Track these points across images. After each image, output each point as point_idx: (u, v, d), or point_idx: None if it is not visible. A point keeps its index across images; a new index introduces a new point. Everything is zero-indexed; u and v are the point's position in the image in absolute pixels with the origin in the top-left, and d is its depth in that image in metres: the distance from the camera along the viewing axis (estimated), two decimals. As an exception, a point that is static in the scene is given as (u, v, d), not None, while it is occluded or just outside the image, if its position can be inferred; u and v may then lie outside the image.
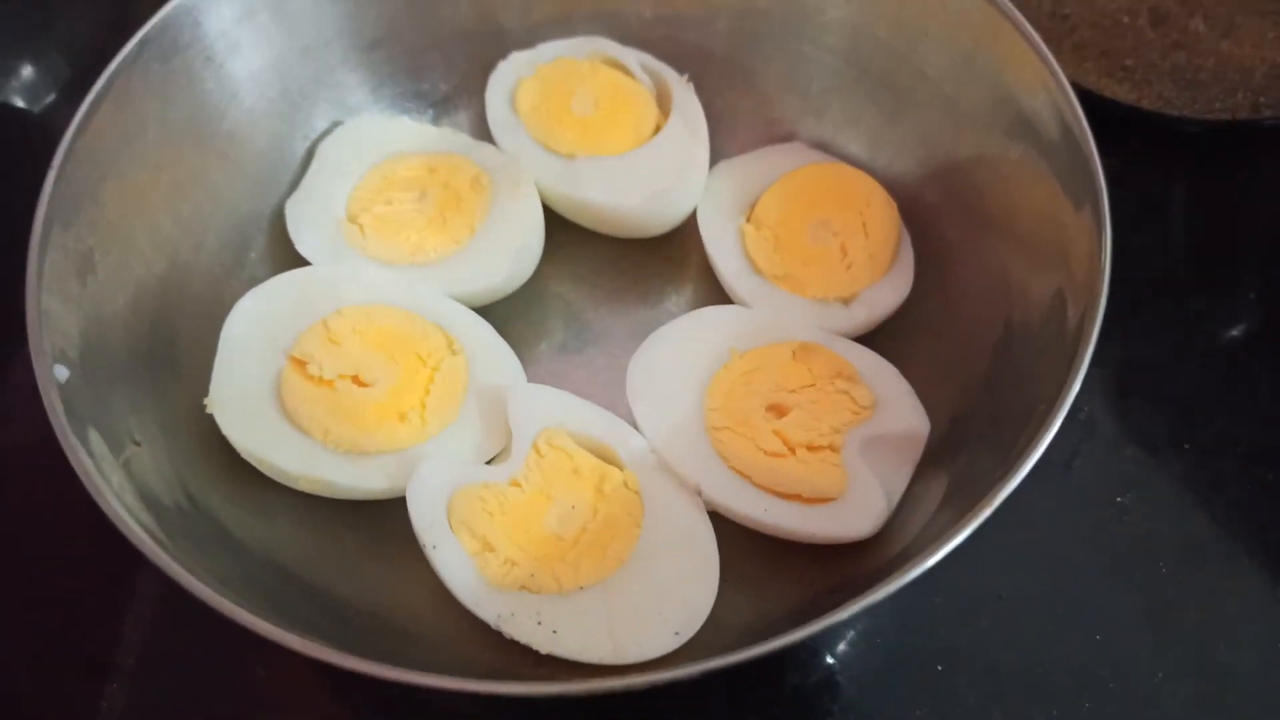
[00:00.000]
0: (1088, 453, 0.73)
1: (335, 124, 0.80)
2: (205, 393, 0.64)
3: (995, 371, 0.67)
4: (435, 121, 0.84)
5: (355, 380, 0.66)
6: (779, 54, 0.82)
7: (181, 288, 0.69)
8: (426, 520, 0.60)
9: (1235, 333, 0.79)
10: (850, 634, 0.67)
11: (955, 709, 0.64)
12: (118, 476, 0.54)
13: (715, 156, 0.80)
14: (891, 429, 0.66)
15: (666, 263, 0.81)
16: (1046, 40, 0.66)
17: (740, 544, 0.64)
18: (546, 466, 0.64)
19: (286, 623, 0.49)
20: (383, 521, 0.65)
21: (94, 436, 0.55)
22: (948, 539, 0.50)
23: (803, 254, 0.74)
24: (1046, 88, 0.65)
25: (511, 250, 0.74)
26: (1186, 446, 0.73)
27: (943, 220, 0.76)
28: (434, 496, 0.61)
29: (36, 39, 0.98)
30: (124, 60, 0.65)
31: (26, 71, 0.97)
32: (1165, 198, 0.85)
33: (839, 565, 0.63)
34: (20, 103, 0.96)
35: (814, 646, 0.67)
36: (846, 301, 0.73)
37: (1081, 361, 0.55)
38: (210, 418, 0.64)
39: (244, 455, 0.64)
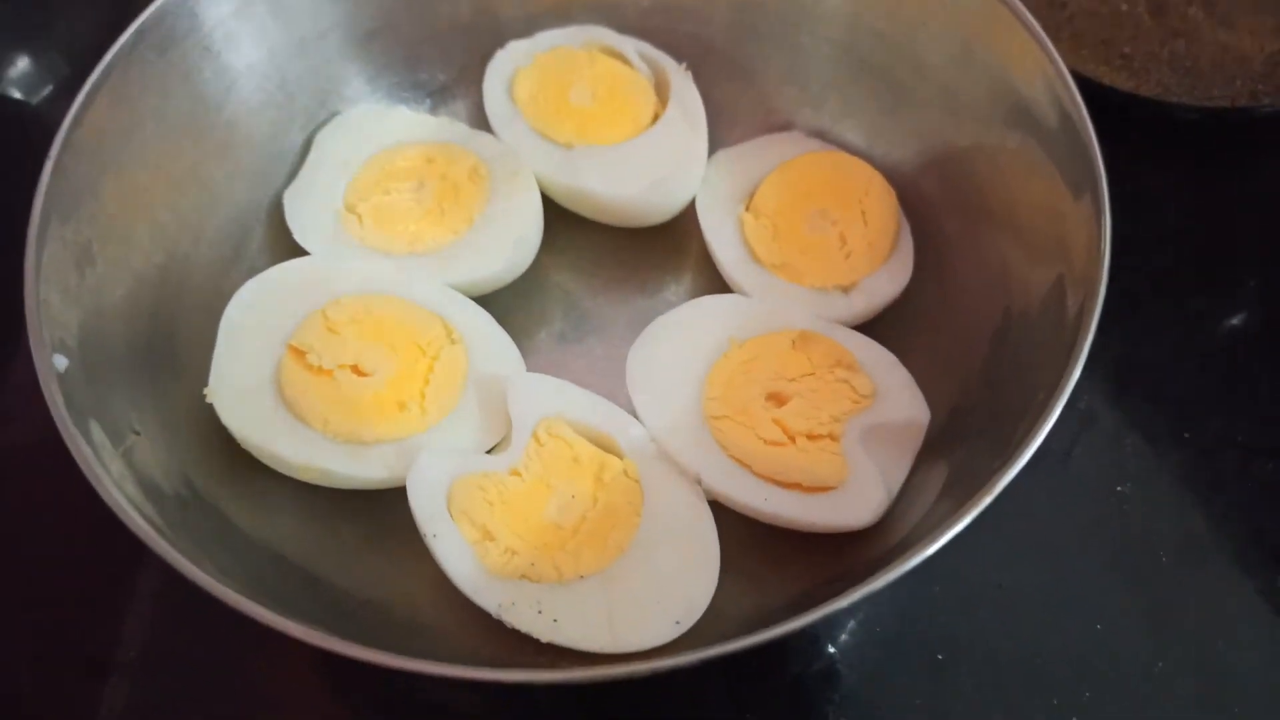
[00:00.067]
0: (1087, 443, 0.73)
1: (333, 115, 0.80)
2: (205, 383, 0.64)
3: (994, 361, 0.67)
4: (433, 111, 0.84)
5: (354, 370, 0.66)
6: (777, 44, 0.82)
7: (180, 279, 0.69)
8: (427, 509, 0.60)
9: (1234, 323, 0.80)
10: (850, 623, 0.67)
11: (955, 698, 0.65)
12: (118, 466, 0.54)
13: (713, 146, 0.80)
14: (891, 418, 0.66)
15: (665, 252, 0.81)
16: (1044, 29, 0.66)
17: (739, 534, 0.64)
18: (546, 455, 0.64)
19: (288, 612, 0.49)
20: (383, 513, 0.65)
21: (94, 426, 0.55)
22: (947, 528, 0.50)
23: (801, 243, 0.74)
24: (1045, 75, 0.65)
25: (510, 240, 0.74)
26: (1186, 436, 0.73)
27: (941, 209, 0.76)
28: (434, 486, 0.61)
29: (36, 37, 0.98)
30: (120, 51, 0.64)
31: (24, 65, 0.97)
32: (1163, 188, 0.84)
33: (838, 555, 0.63)
34: (17, 94, 0.95)
35: (814, 636, 0.67)
36: (846, 290, 0.73)
37: (1081, 350, 0.55)
38: (210, 408, 0.64)
39: (244, 445, 0.64)
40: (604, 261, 0.80)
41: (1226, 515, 0.71)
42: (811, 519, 0.62)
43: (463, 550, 0.60)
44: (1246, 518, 0.71)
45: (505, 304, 0.74)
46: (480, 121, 0.82)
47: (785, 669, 0.66)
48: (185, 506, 0.58)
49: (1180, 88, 0.82)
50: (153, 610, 0.68)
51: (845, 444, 0.64)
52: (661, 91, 0.81)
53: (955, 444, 0.65)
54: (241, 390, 0.64)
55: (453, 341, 0.69)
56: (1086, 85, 0.64)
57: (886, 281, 0.73)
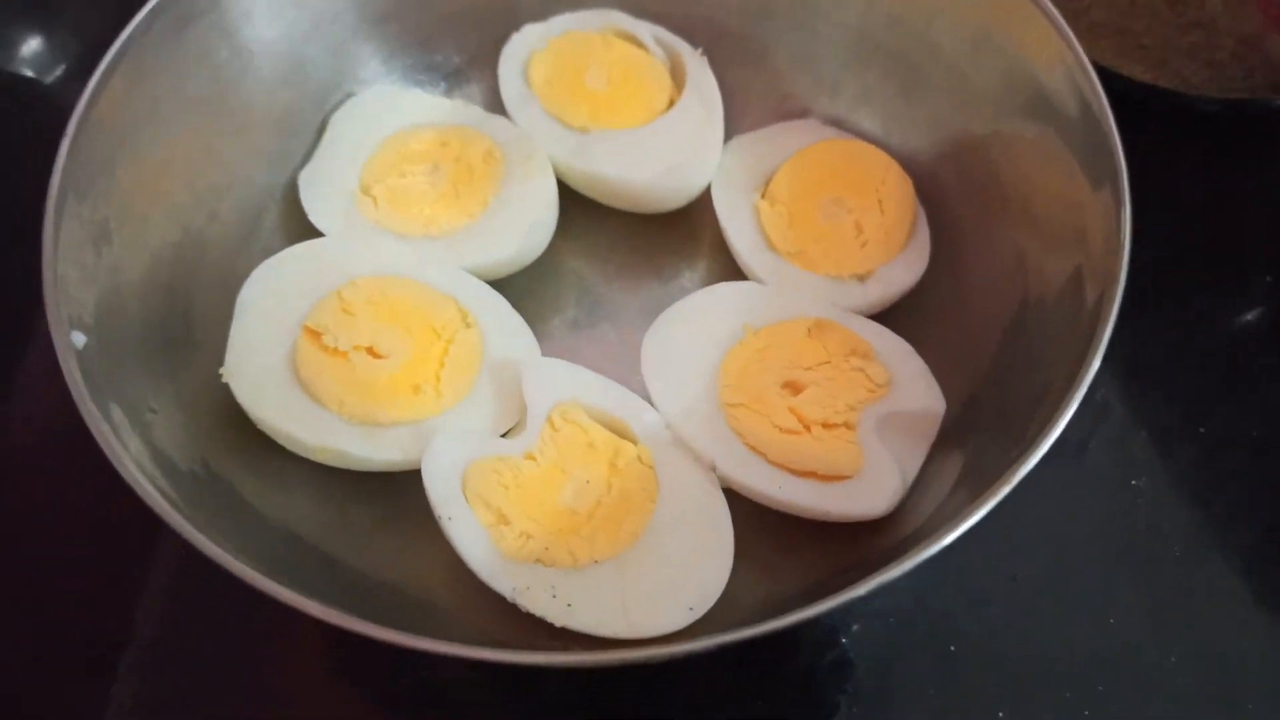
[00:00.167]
0: (1101, 436, 0.72)
1: (348, 96, 0.79)
2: (220, 363, 0.64)
3: (1010, 352, 0.67)
4: (447, 94, 0.84)
5: (370, 352, 0.65)
6: (793, 30, 0.82)
7: (196, 259, 0.69)
8: (442, 492, 0.60)
9: (1249, 318, 0.79)
10: (862, 613, 0.67)
11: (966, 690, 0.65)
12: (136, 444, 0.54)
13: (729, 132, 0.79)
14: (907, 407, 0.65)
15: (680, 238, 0.80)
16: (1062, 18, 0.66)
17: (753, 521, 0.64)
18: (561, 440, 0.64)
19: (305, 591, 0.49)
20: (397, 495, 0.65)
21: (111, 404, 0.55)
22: (963, 519, 0.50)
23: (817, 231, 0.74)
24: (1065, 64, 0.65)
25: (525, 224, 0.74)
26: (1201, 431, 0.73)
27: (958, 198, 0.76)
28: (449, 469, 0.61)
29: (48, 17, 0.98)
30: (137, 29, 0.64)
31: (36, 44, 0.97)
32: (1180, 180, 0.84)
33: (852, 544, 0.63)
34: (29, 73, 0.95)
35: (826, 625, 0.67)
36: (861, 279, 0.72)
37: (1100, 343, 0.55)
38: (225, 388, 0.63)
39: (259, 425, 0.64)
40: (618, 247, 0.80)
41: (1239, 510, 0.70)
42: (826, 508, 0.62)
43: (478, 534, 0.59)
44: (1259, 513, 0.70)
45: (519, 289, 0.74)
46: (494, 105, 0.81)
47: (797, 658, 0.66)
48: (201, 485, 0.58)
49: (1199, 79, 0.82)
50: (163, 605, 0.67)
51: (861, 433, 0.64)
52: (677, 76, 0.81)
53: (970, 434, 0.65)
54: (257, 370, 0.64)
55: (467, 325, 0.68)
56: (1104, 76, 0.63)
57: (902, 270, 0.73)
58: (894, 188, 0.75)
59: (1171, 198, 0.82)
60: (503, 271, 0.74)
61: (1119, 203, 0.59)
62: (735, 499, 0.64)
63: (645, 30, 0.81)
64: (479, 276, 0.72)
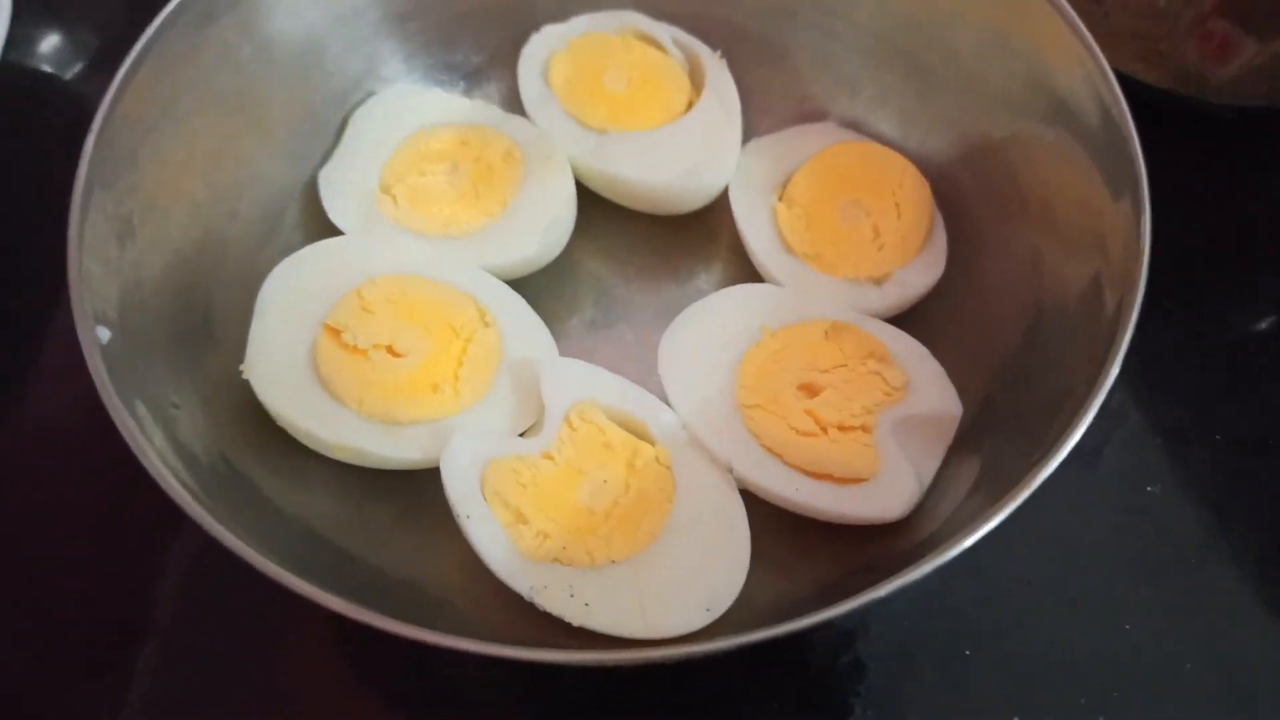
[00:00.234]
0: (1117, 442, 0.73)
1: (368, 95, 0.80)
2: (241, 359, 0.65)
3: (1027, 356, 0.67)
4: (467, 93, 0.84)
5: (389, 350, 0.66)
6: (811, 32, 0.82)
7: (217, 255, 0.69)
8: (460, 491, 0.60)
9: (1264, 325, 0.79)
10: (876, 615, 0.67)
11: (980, 693, 0.65)
12: (159, 438, 0.54)
13: (746, 134, 0.79)
14: (923, 411, 0.66)
15: (697, 240, 0.80)
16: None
17: (768, 523, 0.64)
18: (579, 440, 0.64)
19: (326, 586, 0.49)
20: (413, 493, 0.66)
21: (135, 400, 0.55)
22: (982, 523, 0.50)
23: (834, 233, 0.74)
24: (1084, 68, 0.65)
25: (543, 224, 0.74)
26: (1217, 437, 0.73)
27: (975, 202, 0.76)
28: (468, 467, 0.62)
29: (66, 13, 0.99)
30: (162, 24, 0.64)
31: (55, 40, 0.97)
32: (1197, 185, 0.84)
33: (867, 546, 0.63)
34: (48, 69, 0.96)
35: (841, 627, 0.67)
36: (878, 282, 0.72)
37: (1119, 349, 0.55)
38: (246, 384, 0.64)
39: (279, 422, 0.64)
40: (635, 248, 0.80)
41: (1252, 516, 0.70)
42: (843, 510, 0.62)
43: (496, 532, 0.60)
44: (1273, 519, 0.70)
45: (536, 288, 0.74)
46: (512, 105, 0.82)
47: (811, 658, 0.66)
48: (221, 480, 0.59)
49: (1217, 86, 0.81)
50: (174, 603, 0.68)
51: (877, 436, 0.64)
52: (696, 78, 0.81)
53: (986, 437, 0.65)
54: (277, 367, 0.65)
55: (486, 324, 0.69)
56: (1123, 81, 0.63)
57: (919, 274, 0.73)
58: (911, 191, 0.75)
59: (1187, 201, 0.81)
60: (521, 271, 0.75)
61: (1139, 210, 0.59)
62: (751, 500, 0.64)
63: (664, 32, 0.82)
64: (497, 276, 0.73)
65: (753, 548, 0.62)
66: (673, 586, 0.60)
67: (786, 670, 0.66)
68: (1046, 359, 0.65)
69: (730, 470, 0.64)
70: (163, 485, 0.50)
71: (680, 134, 0.78)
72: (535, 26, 0.82)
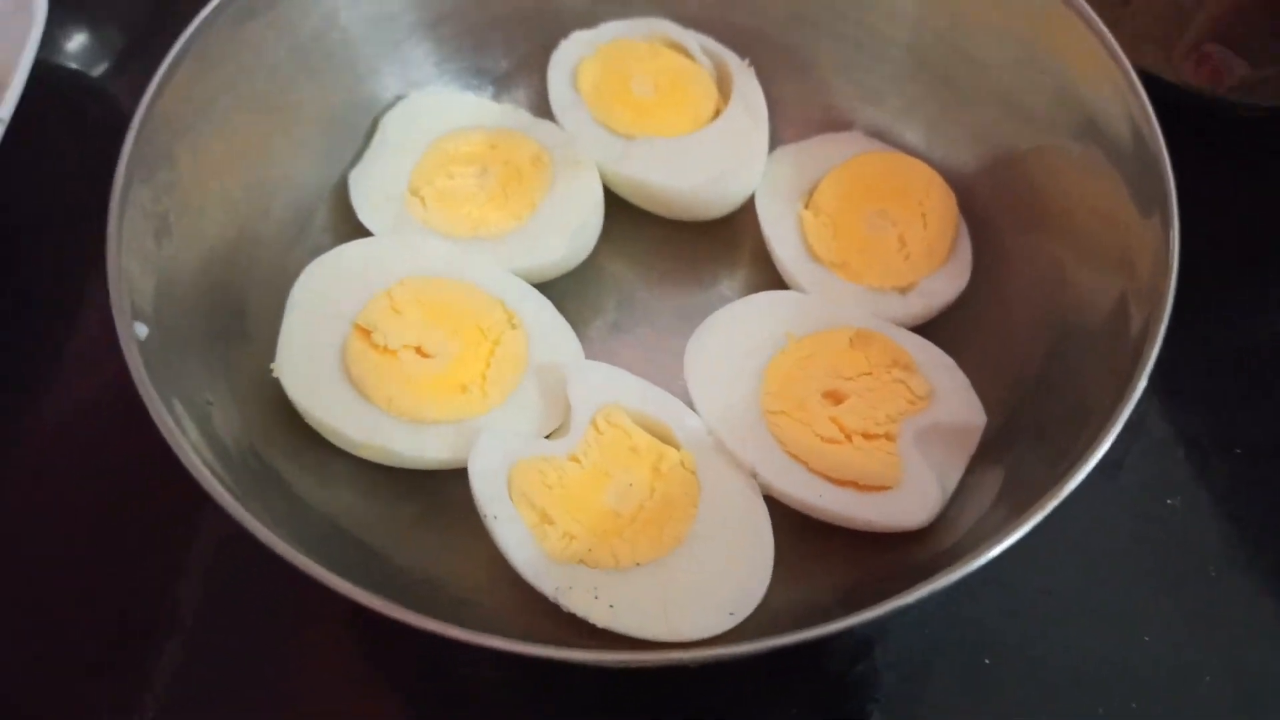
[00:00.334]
0: (1139, 453, 0.73)
1: (399, 98, 0.80)
2: (271, 358, 0.65)
3: (1050, 368, 0.67)
4: (495, 98, 0.85)
5: (418, 351, 0.66)
6: (838, 42, 0.82)
7: (250, 254, 0.70)
8: (487, 491, 0.61)
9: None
10: (895, 623, 0.67)
11: (998, 703, 0.65)
12: (194, 433, 0.55)
13: (772, 142, 0.80)
14: (947, 420, 0.66)
15: (721, 246, 0.81)
16: (1106, 22, 0.65)
17: (790, 528, 0.64)
18: (605, 443, 0.64)
19: (356, 580, 0.49)
20: (437, 493, 0.66)
21: (171, 395, 0.56)
22: (1003, 537, 0.50)
23: (860, 242, 0.74)
24: (1115, 85, 0.65)
25: (571, 228, 0.74)
26: (1238, 451, 0.73)
27: (1000, 214, 0.76)
28: (495, 468, 0.62)
29: (93, 12, 1.00)
30: (202, 23, 0.65)
31: (82, 39, 0.98)
32: (1221, 190, 0.83)
33: (890, 554, 0.63)
34: (75, 67, 0.97)
35: (860, 634, 0.67)
36: (903, 291, 0.73)
37: (1145, 365, 0.55)
38: (276, 382, 0.64)
39: (308, 420, 0.65)
40: (659, 253, 0.81)
41: (1274, 528, 0.70)
42: (867, 517, 0.62)
43: (522, 533, 0.60)
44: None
45: (560, 290, 0.75)
46: (540, 110, 0.82)
47: (829, 665, 0.66)
48: (252, 475, 0.59)
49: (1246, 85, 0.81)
50: (193, 603, 0.68)
51: (900, 444, 0.65)
52: (723, 86, 0.82)
53: (1009, 449, 0.65)
54: (307, 366, 0.65)
55: (513, 327, 0.69)
56: (1147, 80, 0.63)
57: (944, 284, 0.73)
58: (937, 201, 0.75)
59: (1213, 208, 0.81)
60: (548, 275, 0.75)
61: (1168, 228, 0.59)
62: (773, 505, 0.64)
63: (693, 40, 0.82)
64: (524, 279, 0.73)
65: (775, 553, 0.62)
66: (696, 590, 0.60)
67: (804, 676, 0.66)
68: (1070, 372, 0.65)
69: (754, 475, 0.65)
70: (199, 480, 0.51)
71: (707, 141, 0.78)
72: (564, 33, 0.83)
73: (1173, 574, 0.69)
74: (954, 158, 0.79)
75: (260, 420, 0.64)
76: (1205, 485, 0.72)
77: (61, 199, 0.85)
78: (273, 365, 0.65)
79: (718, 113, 0.80)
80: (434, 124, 0.79)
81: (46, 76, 0.80)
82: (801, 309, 0.71)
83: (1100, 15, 0.66)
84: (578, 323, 0.74)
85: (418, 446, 0.65)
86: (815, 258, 0.74)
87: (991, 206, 0.76)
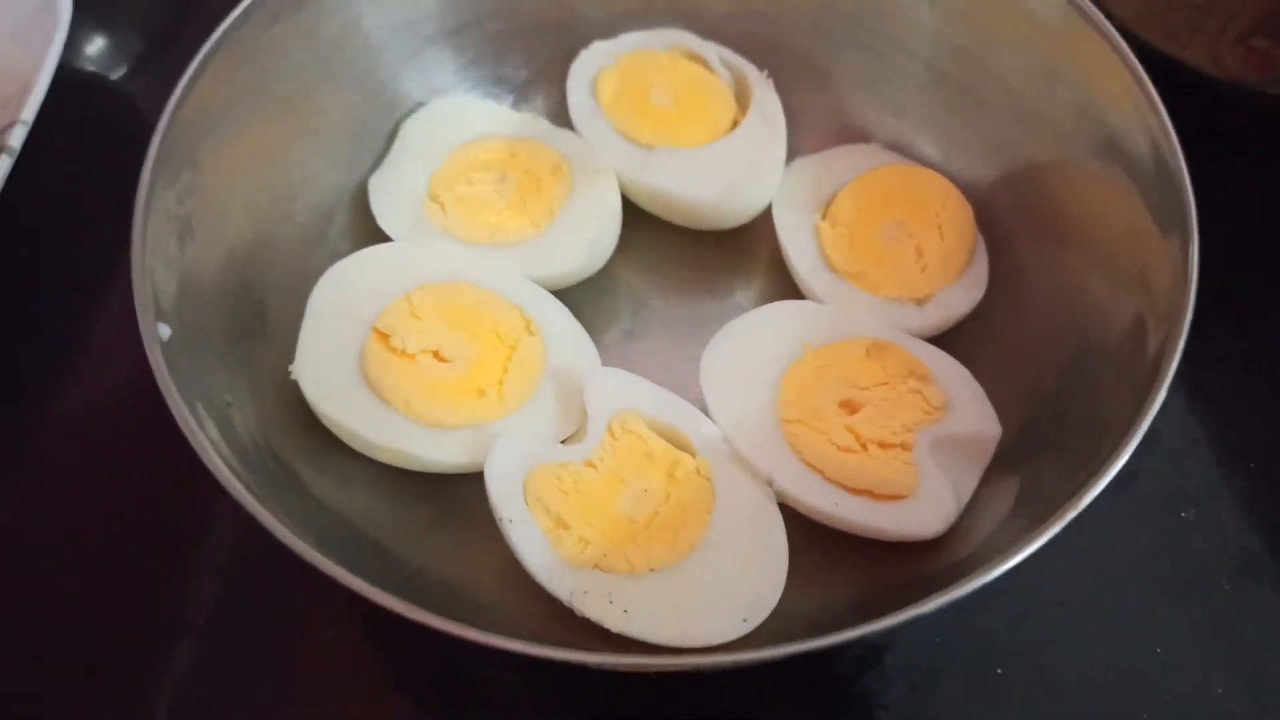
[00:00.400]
0: (1153, 465, 0.73)
1: (419, 105, 0.81)
2: (290, 360, 0.66)
3: (1066, 381, 0.67)
4: (515, 106, 0.85)
5: (436, 355, 0.67)
6: (857, 54, 0.83)
7: (270, 257, 0.70)
8: (503, 495, 0.61)
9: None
10: (906, 631, 0.67)
11: (1010, 713, 0.65)
12: (214, 433, 0.55)
13: (790, 153, 0.80)
14: (962, 431, 0.66)
15: (737, 256, 0.81)
16: (1123, 8, 0.65)
17: (803, 536, 0.64)
18: (620, 449, 0.65)
19: (376, 582, 0.49)
20: (452, 496, 0.67)
21: (192, 396, 0.56)
22: (1020, 548, 0.51)
23: (877, 253, 0.75)
24: (1135, 103, 0.65)
25: (589, 236, 0.75)
26: (1252, 465, 0.73)
27: (1017, 227, 0.76)
28: (511, 472, 0.62)
29: (112, 16, 1.01)
30: (228, 27, 0.66)
31: (101, 43, 0.99)
32: (1241, 190, 0.83)
33: (902, 563, 0.64)
34: (94, 69, 0.98)
35: (869, 641, 0.67)
36: (920, 302, 0.73)
37: (1162, 385, 0.55)
38: (294, 385, 0.65)
39: (325, 423, 0.65)
40: (675, 262, 0.81)
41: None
42: (883, 526, 0.63)
43: (537, 537, 0.60)
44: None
45: (576, 297, 0.75)
46: (559, 119, 0.83)
47: (839, 672, 0.66)
48: (271, 476, 0.59)
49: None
50: (206, 604, 0.68)
51: (916, 454, 0.65)
52: (741, 97, 0.82)
53: (1025, 460, 0.65)
54: (326, 369, 0.66)
55: (531, 333, 0.70)
56: (1166, 63, 0.62)
57: (961, 296, 0.73)
58: (954, 214, 0.75)
59: (1229, 210, 0.80)
60: (565, 282, 0.76)
61: (1187, 247, 0.59)
62: (788, 513, 0.65)
63: (712, 51, 0.83)
64: (541, 286, 0.74)
65: (789, 560, 0.62)
66: (710, 596, 0.60)
67: (813, 682, 0.66)
68: (1087, 385, 0.65)
69: (770, 483, 0.65)
70: (221, 480, 0.51)
71: (725, 151, 0.79)
72: (584, 43, 0.84)
73: (1186, 585, 0.69)
74: (972, 171, 0.79)
75: (279, 422, 0.64)
76: (1219, 498, 0.72)
77: (79, 201, 0.86)
78: (291, 367, 0.65)
79: (736, 123, 0.80)
80: (454, 131, 0.79)
81: (66, 79, 0.81)
82: (818, 319, 0.72)
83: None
84: (594, 330, 0.74)
85: (435, 450, 0.65)
86: (832, 268, 0.75)
87: (1009, 220, 0.77)
